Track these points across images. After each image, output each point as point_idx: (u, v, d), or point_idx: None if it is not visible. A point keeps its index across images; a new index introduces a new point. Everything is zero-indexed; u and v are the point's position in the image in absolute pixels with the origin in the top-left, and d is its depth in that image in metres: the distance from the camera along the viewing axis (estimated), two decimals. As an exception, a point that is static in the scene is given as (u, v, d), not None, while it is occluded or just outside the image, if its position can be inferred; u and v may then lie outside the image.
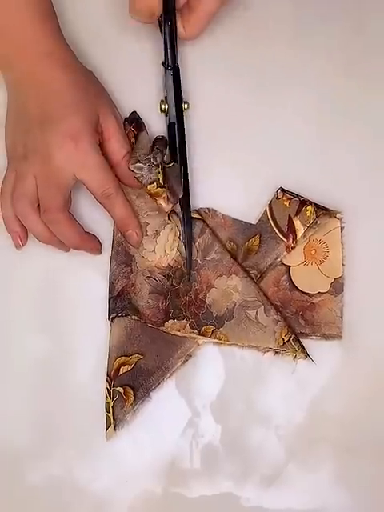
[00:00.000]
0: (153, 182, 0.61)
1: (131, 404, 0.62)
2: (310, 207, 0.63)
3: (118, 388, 0.62)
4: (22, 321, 0.64)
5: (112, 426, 0.61)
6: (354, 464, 0.62)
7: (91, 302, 0.64)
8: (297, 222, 0.63)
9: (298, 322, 0.63)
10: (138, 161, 0.61)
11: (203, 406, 0.63)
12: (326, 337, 0.63)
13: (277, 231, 0.64)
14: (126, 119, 0.64)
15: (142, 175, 0.61)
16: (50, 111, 0.60)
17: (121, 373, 0.62)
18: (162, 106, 0.64)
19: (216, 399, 0.63)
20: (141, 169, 0.61)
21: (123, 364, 0.62)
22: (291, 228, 0.63)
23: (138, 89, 0.66)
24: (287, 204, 0.64)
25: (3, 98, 0.64)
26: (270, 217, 0.64)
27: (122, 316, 0.62)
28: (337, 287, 0.64)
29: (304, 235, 0.64)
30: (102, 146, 0.61)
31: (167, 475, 0.62)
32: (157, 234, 0.64)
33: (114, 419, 0.61)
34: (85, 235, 0.63)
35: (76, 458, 0.62)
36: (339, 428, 0.63)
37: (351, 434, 0.63)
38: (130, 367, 0.62)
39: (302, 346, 0.62)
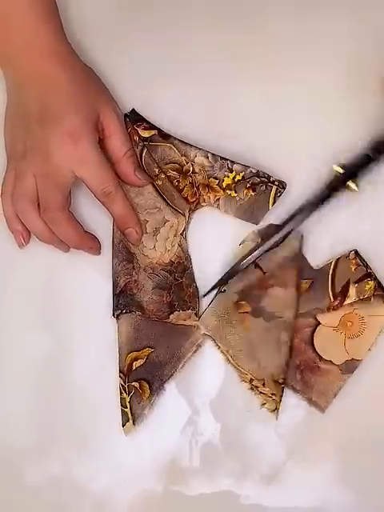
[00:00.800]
0: (216, 179, 0.63)
1: (148, 397, 0.62)
2: (371, 283, 0.62)
3: (134, 383, 0.62)
4: (23, 320, 0.63)
5: (131, 421, 0.62)
6: (354, 462, 0.62)
7: (92, 300, 0.64)
8: (352, 290, 0.62)
9: (295, 375, 0.63)
10: (220, 158, 0.63)
11: (203, 404, 0.63)
12: (310, 402, 0.62)
13: (329, 287, 0.63)
14: (126, 116, 0.64)
15: (212, 167, 0.63)
16: (49, 110, 0.59)
17: (134, 368, 0.62)
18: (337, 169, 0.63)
19: (215, 397, 0.63)
20: (215, 160, 0.63)
21: (135, 359, 0.62)
22: (344, 292, 0.62)
23: (140, 86, 0.66)
24: (353, 269, 0.62)
25: (3, 97, 0.63)
26: (331, 270, 0.63)
27: (126, 312, 0.62)
28: (349, 367, 0.62)
29: (351, 304, 0.62)
30: (102, 144, 0.61)
31: (167, 473, 0.62)
32: (156, 231, 0.64)
33: (132, 414, 0.62)
34: (84, 235, 0.62)
35: (75, 457, 0.62)
36: (339, 426, 0.62)
37: (351, 432, 0.63)
38: (142, 361, 0.62)
39: (281, 400, 0.61)
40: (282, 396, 0.62)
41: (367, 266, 0.63)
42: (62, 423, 0.62)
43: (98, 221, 0.64)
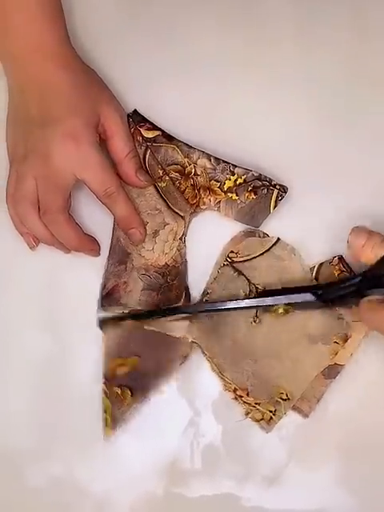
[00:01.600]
0: (218, 181, 0.63)
1: (128, 404, 0.61)
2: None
3: (116, 388, 0.62)
4: (24, 320, 0.64)
5: (109, 426, 0.61)
6: (355, 465, 0.62)
7: (91, 302, 0.64)
8: None
9: None
10: (222, 161, 0.64)
11: (204, 406, 0.63)
12: (294, 408, 0.62)
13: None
14: (129, 116, 0.65)
15: (214, 169, 0.63)
16: (50, 112, 0.60)
17: (117, 374, 0.62)
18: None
19: (217, 399, 0.63)
20: (218, 162, 0.64)
21: (120, 365, 0.62)
22: None
23: (141, 88, 0.66)
24: (335, 273, 0.62)
25: (4, 96, 0.64)
26: (313, 275, 0.63)
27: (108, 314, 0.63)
28: (331, 372, 0.62)
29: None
30: (105, 145, 0.62)
31: (168, 475, 0.62)
32: (156, 233, 0.64)
33: (112, 420, 0.61)
34: (84, 237, 0.63)
35: (77, 459, 0.62)
36: (341, 428, 0.62)
37: (353, 435, 0.62)
38: (126, 369, 0.62)
39: (275, 414, 0.61)
40: (281, 412, 0.61)
41: (351, 271, 0.62)
42: (63, 424, 0.62)
43: (99, 222, 0.64)
